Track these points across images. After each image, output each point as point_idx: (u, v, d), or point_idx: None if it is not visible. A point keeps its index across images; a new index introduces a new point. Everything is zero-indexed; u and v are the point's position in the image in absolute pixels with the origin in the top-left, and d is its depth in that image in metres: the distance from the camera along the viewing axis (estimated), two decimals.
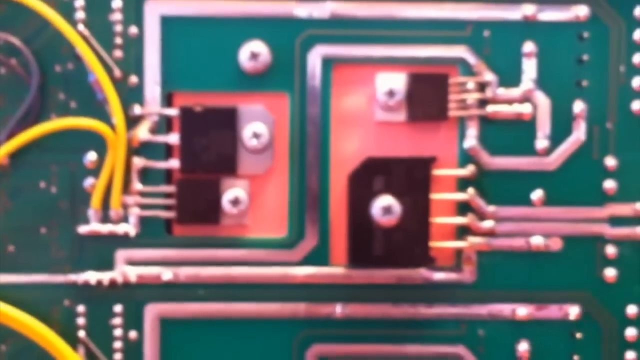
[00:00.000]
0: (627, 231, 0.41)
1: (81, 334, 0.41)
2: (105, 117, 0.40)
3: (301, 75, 0.41)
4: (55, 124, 0.40)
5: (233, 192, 0.40)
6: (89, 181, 0.41)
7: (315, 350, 0.41)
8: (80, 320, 0.41)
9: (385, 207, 0.40)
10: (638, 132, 0.41)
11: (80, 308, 0.41)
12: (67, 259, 0.41)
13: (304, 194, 0.41)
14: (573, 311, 0.41)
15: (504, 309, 0.41)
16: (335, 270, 0.41)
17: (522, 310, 0.41)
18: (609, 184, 0.41)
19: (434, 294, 0.41)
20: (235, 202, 0.40)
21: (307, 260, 0.41)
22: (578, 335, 0.42)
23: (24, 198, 0.41)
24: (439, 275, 0.41)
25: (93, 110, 0.40)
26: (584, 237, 0.41)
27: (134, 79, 0.40)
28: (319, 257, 0.41)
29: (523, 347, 0.41)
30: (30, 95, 0.40)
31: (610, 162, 0.41)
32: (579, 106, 0.41)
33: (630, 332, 0.41)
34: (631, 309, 0.41)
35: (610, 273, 0.41)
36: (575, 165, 0.41)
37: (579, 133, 0.41)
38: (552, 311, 0.41)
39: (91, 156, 0.40)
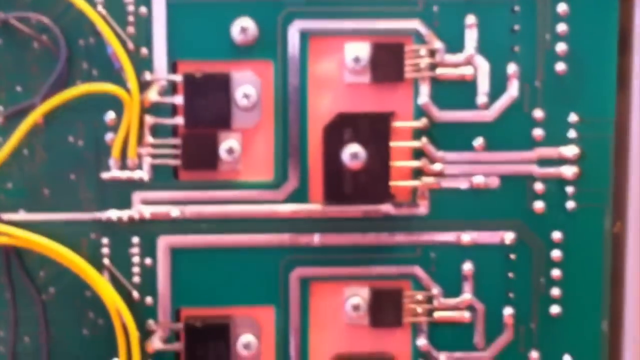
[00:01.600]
0: (552, 171, 0.44)
1: (106, 261, 0.43)
2: (121, 83, 0.42)
3: (283, 46, 0.43)
4: (81, 89, 0.42)
5: (228, 143, 0.43)
6: (109, 136, 0.43)
7: (297, 273, 0.44)
8: (105, 250, 0.43)
9: (353, 153, 0.42)
10: (561, 89, 0.43)
11: (105, 240, 0.43)
12: (92, 200, 0.43)
13: (286, 143, 0.43)
14: (508, 237, 0.44)
15: (452, 236, 0.44)
16: (313, 207, 0.44)
17: (466, 237, 0.44)
18: (537, 132, 0.44)
19: (394, 225, 0.44)
20: (230, 151, 0.43)
21: (290, 199, 0.44)
22: (512, 256, 0.44)
23: (56, 150, 0.43)
24: (398, 209, 0.44)
25: (111, 77, 0.42)
26: (517, 176, 0.44)
27: (144, 50, 0.42)
28: (299, 196, 0.44)
29: (467, 267, 0.44)
30: (59, 65, 0.42)
31: (538, 114, 0.43)
32: (512, 68, 0.43)
33: (555, 254, 0.44)
34: (556, 235, 0.44)
35: (538, 205, 0.44)
36: (510, 117, 0.44)
37: (512, 90, 0.43)
38: (491, 237, 0.44)
39: (110, 115, 0.43)
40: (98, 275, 0.42)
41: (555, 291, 0.45)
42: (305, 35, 0.43)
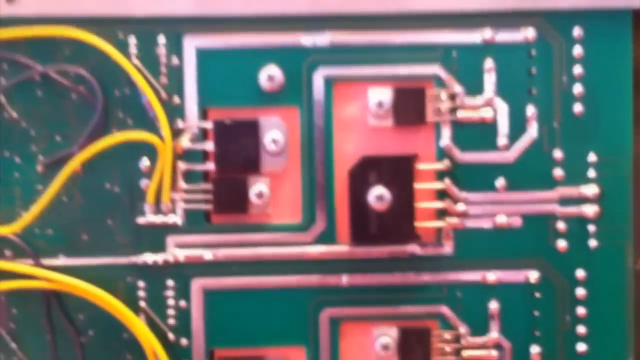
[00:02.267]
0: (573, 210, 0.44)
1: (142, 303, 0.44)
2: (155, 130, 0.43)
3: (308, 92, 0.44)
4: (116, 137, 0.43)
5: (257, 187, 0.43)
6: (144, 182, 0.44)
7: (326, 313, 0.44)
8: (141, 293, 0.44)
9: (378, 195, 0.43)
10: (579, 129, 0.44)
11: (140, 283, 0.44)
12: (128, 244, 0.44)
13: (313, 187, 0.44)
14: (533, 275, 0.44)
15: (477, 275, 0.44)
16: (340, 248, 0.44)
17: (492, 276, 0.44)
18: (558, 172, 0.44)
19: (420, 265, 0.44)
20: (259, 195, 0.43)
21: (318, 240, 0.44)
22: (537, 295, 0.44)
23: (94, 196, 0.44)
24: (423, 249, 0.44)
25: (145, 125, 0.43)
26: (539, 215, 0.44)
27: (176, 99, 0.43)
28: (327, 237, 0.44)
29: (493, 305, 0.44)
30: (96, 115, 0.43)
31: (558, 154, 0.44)
32: (530, 110, 0.44)
33: (579, 292, 0.44)
34: (580, 273, 0.44)
35: (561, 244, 0.44)
36: (530, 158, 0.44)
37: (531, 131, 0.44)
38: (515, 276, 0.44)
39: (145, 162, 0.44)
40: (135, 317, 0.43)
41: (581, 329, 0.45)
42: (329, 82, 0.44)
